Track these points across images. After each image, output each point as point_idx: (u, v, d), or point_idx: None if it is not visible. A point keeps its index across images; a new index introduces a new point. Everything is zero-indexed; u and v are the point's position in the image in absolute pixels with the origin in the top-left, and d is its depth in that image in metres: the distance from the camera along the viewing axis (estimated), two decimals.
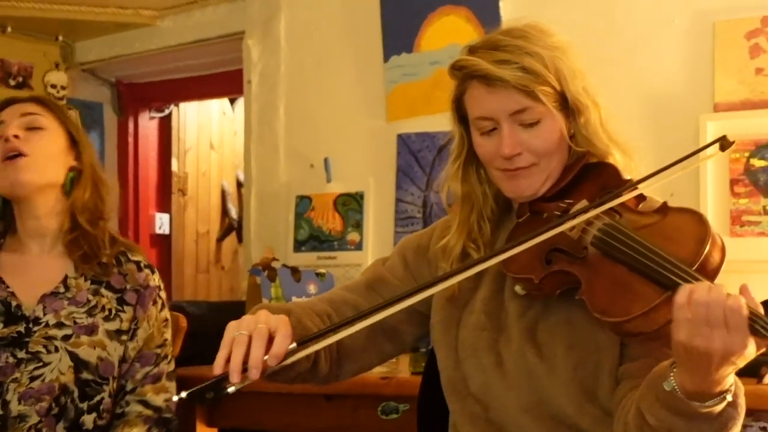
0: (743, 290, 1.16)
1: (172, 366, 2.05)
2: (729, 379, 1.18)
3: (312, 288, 2.84)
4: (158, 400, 2.00)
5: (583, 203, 1.41)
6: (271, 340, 1.23)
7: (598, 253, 1.33)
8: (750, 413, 1.22)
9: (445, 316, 1.53)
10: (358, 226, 3.19)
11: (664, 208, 1.37)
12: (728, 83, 2.62)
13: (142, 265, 2.06)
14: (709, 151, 1.37)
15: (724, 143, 1.34)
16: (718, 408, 1.20)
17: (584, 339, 1.40)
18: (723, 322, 1.12)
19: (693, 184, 2.60)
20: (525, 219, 1.49)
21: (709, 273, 1.24)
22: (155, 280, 2.05)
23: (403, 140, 3.15)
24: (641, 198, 1.43)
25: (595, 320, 1.29)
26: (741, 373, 1.20)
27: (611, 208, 1.37)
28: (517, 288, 1.45)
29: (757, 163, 2.58)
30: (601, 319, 1.26)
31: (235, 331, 1.24)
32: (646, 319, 1.23)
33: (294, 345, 1.24)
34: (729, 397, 1.19)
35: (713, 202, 2.58)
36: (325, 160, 3.27)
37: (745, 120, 2.59)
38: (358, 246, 3.19)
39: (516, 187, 1.48)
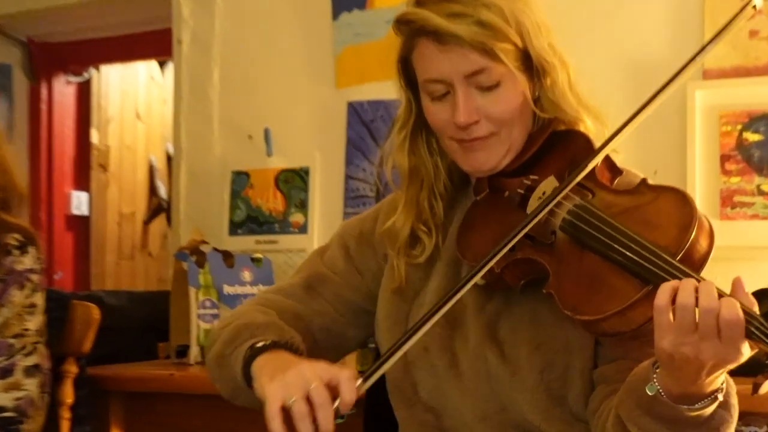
0: (736, 287, 1.15)
1: (35, 360, 2.02)
2: (721, 377, 1.18)
3: (247, 275, 2.82)
4: (4, 398, 1.96)
5: (551, 180, 1.41)
6: (332, 390, 1.20)
7: (568, 239, 1.33)
8: (740, 416, 1.24)
9: (391, 310, 1.53)
10: (303, 206, 3.19)
11: (643, 187, 1.36)
12: (719, 47, 2.45)
13: (10, 247, 2.02)
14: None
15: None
16: (709, 410, 1.19)
17: (552, 337, 1.40)
18: (715, 334, 1.11)
19: (679, 161, 2.62)
20: (483, 197, 1.49)
21: (696, 263, 1.23)
22: (26, 262, 2.03)
23: (354, 109, 3.15)
24: (617, 172, 1.43)
25: (566, 316, 1.29)
26: (733, 373, 1.21)
27: (582, 186, 1.37)
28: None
29: (751, 137, 2.59)
30: (572, 316, 1.26)
31: (284, 396, 1.19)
32: (623, 318, 1.22)
33: (359, 382, 1.22)
34: (720, 397, 1.18)
35: (701, 181, 2.59)
36: (266, 132, 3.25)
37: (738, 89, 2.60)
38: (303, 229, 3.19)
39: (473, 161, 1.46)
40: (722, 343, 1.11)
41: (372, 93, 3.09)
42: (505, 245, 1.30)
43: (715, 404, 1.19)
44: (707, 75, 2.65)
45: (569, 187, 1.34)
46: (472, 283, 1.29)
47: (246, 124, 3.31)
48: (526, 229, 1.32)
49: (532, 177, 1.43)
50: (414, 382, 1.47)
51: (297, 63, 3.23)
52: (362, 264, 1.59)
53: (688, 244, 1.23)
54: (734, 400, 1.23)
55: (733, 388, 1.23)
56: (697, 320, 1.12)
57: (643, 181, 1.36)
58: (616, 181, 1.42)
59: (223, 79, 3.37)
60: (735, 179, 2.57)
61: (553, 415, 1.39)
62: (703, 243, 1.25)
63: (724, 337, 1.11)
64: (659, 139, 2.62)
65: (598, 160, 1.36)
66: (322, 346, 1.54)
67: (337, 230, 1.65)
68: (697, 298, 1.12)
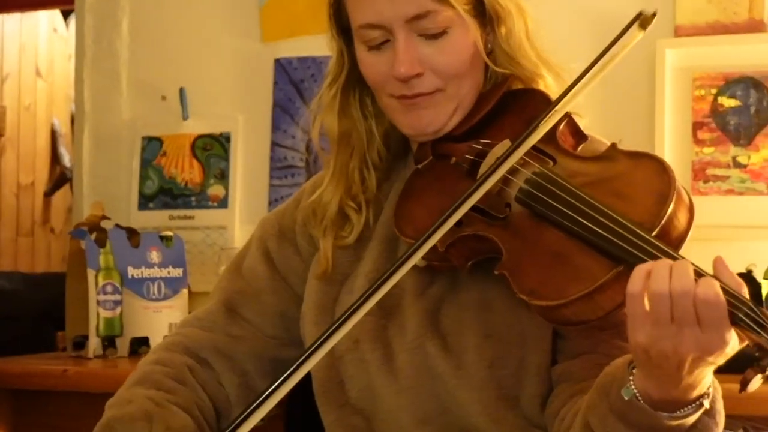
0: (719, 267, 1.13)
1: None
2: (707, 380, 1.16)
3: (154, 256, 2.77)
4: None
5: (505, 144, 1.37)
6: None
7: (525, 212, 1.32)
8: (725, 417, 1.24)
9: (317, 299, 1.52)
10: (223, 177, 3.18)
11: (612, 153, 1.34)
12: (693, 1, 2.64)
13: None
14: (629, 38, 1.35)
15: (643, 20, 1.33)
16: (692, 419, 1.18)
17: (504, 326, 1.39)
18: (694, 319, 1.10)
19: (646, 129, 2.62)
20: (426, 165, 1.48)
21: (673, 241, 1.22)
22: None
23: (281, 66, 3.15)
24: (581, 137, 1.42)
25: (520, 303, 1.28)
26: (720, 370, 1.19)
27: (542, 152, 1.36)
28: None
29: (727, 102, 2.60)
30: (529, 301, 1.25)
31: None
32: (590, 303, 1.21)
33: None
34: (706, 404, 1.17)
35: (671, 151, 2.59)
36: (181, 92, 3.22)
37: (714, 48, 2.61)
38: (222, 203, 3.17)
39: (415, 121, 1.45)
40: (703, 331, 1.09)
41: (302, 49, 3.08)
42: (449, 218, 1.28)
43: (700, 412, 1.18)
44: (679, 32, 2.66)
45: (526, 147, 1.32)
46: (410, 264, 1.27)
47: (159, 83, 3.28)
48: (475, 199, 1.29)
49: (483, 141, 1.41)
50: (341, 380, 1.47)
51: (217, 14, 3.21)
52: (286, 267, 1.57)
53: (665, 219, 1.21)
54: (720, 406, 1.21)
55: (719, 392, 1.21)
56: (672, 309, 1.10)
57: (613, 146, 1.35)
58: (580, 147, 1.40)
59: (132, 31, 3.34)
60: (708, 150, 2.59)
61: (504, 418, 1.38)
62: (682, 218, 1.23)
63: (703, 322, 1.09)
64: (624, 104, 2.62)
65: (559, 114, 1.34)
66: (256, 377, 1.54)
67: (255, 230, 1.64)
68: (670, 282, 1.10)
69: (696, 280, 1.10)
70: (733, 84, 2.60)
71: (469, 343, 1.40)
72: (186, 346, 1.54)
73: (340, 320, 1.24)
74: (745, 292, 1.12)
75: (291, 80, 3.13)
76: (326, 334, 1.24)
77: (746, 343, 1.12)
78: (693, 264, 1.13)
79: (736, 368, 1.13)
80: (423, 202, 1.44)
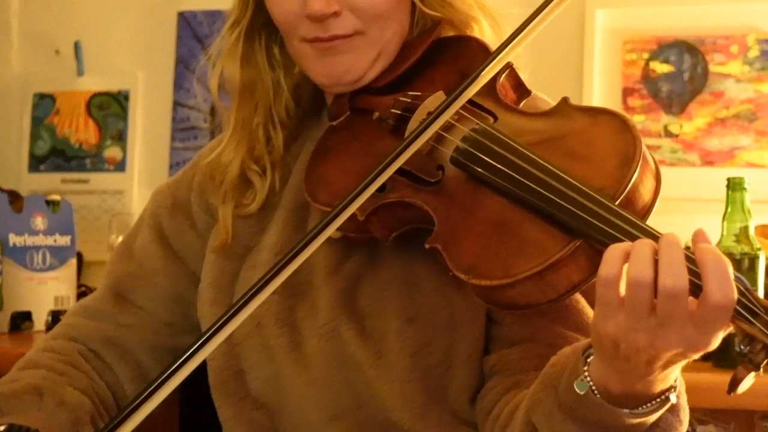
0: (698, 238, 1.03)
1: None
2: (675, 371, 1.09)
3: (39, 222, 2.67)
4: None
5: (439, 96, 1.30)
6: None
7: (462, 176, 1.24)
8: (698, 412, 1.20)
9: (214, 275, 1.46)
10: (121, 138, 3.14)
11: (563, 108, 1.26)
12: None
13: None
14: None
15: None
16: (654, 417, 1.11)
17: (431, 309, 1.33)
18: (685, 317, 1.00)
19: (574, 94, 2.60)
20: (343, 121, 1.41)
21: (638, 212, 1.13)
22: None
23: (185, 20, 3.11)
24: (524, 91, 1.35)
25: (450, 282, 1.24)
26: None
27: (479, 107, 1.28)
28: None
29: (659, 67, 2.61)
30: (467, 280, 1.16)
31: None
32: (540, 283, 1.13)
33: None
34: (673, 398, 1.10)
35: None
36: (76, 45, 3.16)
37: (647, 9, 2.63)
38: (120, 166, 3.13)
39: (330, 68, 1.37)
40: (695, 327, 1.00)
41: (208, 1, 3.05)
42: (371, 183, 1.19)
43: (665, 408, 1.10)
44: None
45: (464, 99, 1.24)
46: (324, 235, 1.19)
47: (52, 36, 3.23)
48: (402, 159, 1.20)
49: (411, 93, 1.34)
50: (241, 369, 1.40)
51: None
52: (181, 244, 1.51)
53: (629, 184, 1.12)
54: (684, 401, 1.15)
55: (683, 385, 1.15)
56: (652, 301, 1.00)
57: (564, 100, 1.27)
58: (522, 103, 1.33)
59: None
60: (639, 117, 2.60)
61: (429, 413, 1.32)
62: (648, 185, 1.15)
63: (698, 323, 1.00)
64: (550, 68, 2.56)
65: (501, 64, 1.27)
66: (153, 369, 1.49)
67: (148, 203, 1.58)
68: (656, 269, 1.00)
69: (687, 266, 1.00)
70: (666, 48, 2.62)
71: (390, 328, 1.34)
72: (72, 336, 1.49)
73: (241, 301, 1.16)
74: (731, 271, 1.01)
75: (195, 35, 3.10)
76: (225, 317, 1.16)
77: (730, 329, 1.03)
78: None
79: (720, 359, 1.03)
80: (339, 163, 1.37)
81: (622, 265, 1.02)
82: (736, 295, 0.99)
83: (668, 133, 2.58)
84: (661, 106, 2.58)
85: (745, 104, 2.57)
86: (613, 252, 1.03)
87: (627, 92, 2.61)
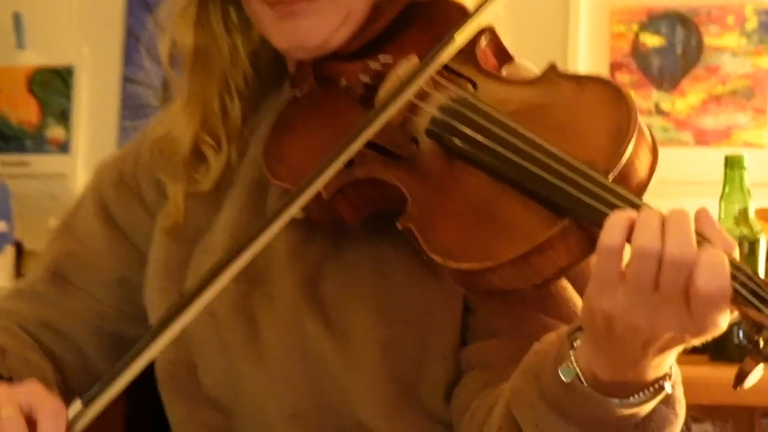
0: (703, 219, 1.03)
1: None
2: (670, 359, 1.09)
3: None
4: None
5: (412, 61, 1.29)
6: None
7: (438, 150, 1.23)
8: (694, 409, 1.24)
9: (164, 260, 1.45)
10: (64, 117, 3.16)
11: (550, 76, 1.25)
12: None
13: None
14: None
15: None
16: (648, 407, 1.10)
17: (403, 298, 1.32)
18: (685, 295, 0.99)
19: None
20: (307, 91, 1.39)
21: (633, 190, 1.13)
22: None
23: None
24: (506, 57, 1.34)
25: (424, 267, 1.23)
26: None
27: (457, 74, 1.27)
28: None
29: (650, 40, 2.62)
30: (444, 264, 1.15)
31: None
32: (524, 267, 1.11)
33: (78, 407, 1.16)
34: (668, 387, 1.09)
35: None
36: (16, 17, 3.17)
37: None
38: (63, 147, 3.14)
39: (292, 33, 1.35)
40: (693, 309, 1.00)
41: None
42: (338, 157, 1.19)
43: (659, 398, 1.09)
44: None
45: (440, 64, 1.23)
46: (285, 216, 1.18)
47: None
48: (371, 132, 1.20)
49: (382, 59, 1.33)
50: (192, 363, 1.39)
51: None
52: (128, 223, 1.50)
53: (624, 159, 1.11)
54: (680, 392, 1.14)
55: (680, 376, 1.14)
56: (658, 275, 0.99)
57: (552, 68, 1.25)
58: (504, 70, 1.33)
59: None
60: None
61: (399, 412, 1.31)
62: (644, 160, 1.14)
63: (699, 302, 1.00)
64: (533, 40, 2.54)
65: (480, 27, 1.27)
66: (96, 357, 1.48)
67: (90, 178, 1.57)
68: (663, 240, 1.00)
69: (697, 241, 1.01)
70: (657, 20, 2.64)
71: (358, 318, 1.32)
72: (4, 325, 1.46)
73: (194, 291, 1.16)
74: (737, 254, 1.02)
75: (146, 5, 3.09)
76: (175, 310, 1.17)
77: (735, 318, 1.04)
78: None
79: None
80: (302, 137, 1.36)
81: (626, 234, 1.02)
82: (729, 269, 0.99)
83: (659, 111, 2.59)
84: (651, 82, 2.60)
85: (742, 80, 2.59)
86: (618, 219, 1.02)
87: (615, 67, 2.63)
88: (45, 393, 1.20)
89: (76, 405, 1.16)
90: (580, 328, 1.10)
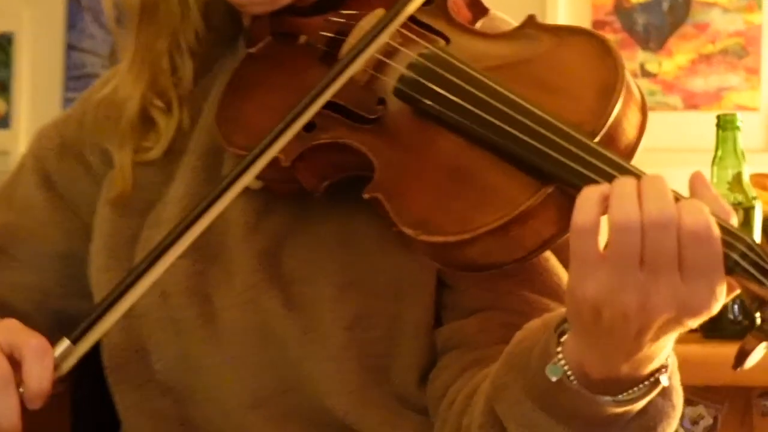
0: (698, 185, 1.03)
1: None
2: (667, 346, 1.07)
3: None
4: None
5: (378, 14, 1.27)
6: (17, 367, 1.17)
7: (408, 110, 1.23)
8: (687, 390, 1.19)
9: (110, 234, 1.44)
10: (4, 89, 3.20)
11: (529, 28, 1.25)
12: None
13: None
14: None
15: None
16: (641, 403, 1.09)
17: (371, 272, 1.32)
18: (675, 262, 0.99)
19: None
20: (263, 48, 1.39)
21: (621, 152, 1.12)
22: None
23: None
24: (480, 9, 1.33)
25: (398, 239, 1.20)
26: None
27: (427, 27, 1.27)
28: None
29: None
30: (415, 237, 1.14)
31: None
32: (504, 238, 1.11)
33: (59, 351, 1.17)
34: (664, 380, 1.08)
35: None
36: None
37: None
38: (3, 122, 3.20)
39: None
40: (686, 279, 0.98)
41: None
42: (296, 120, 1.18)
43: (655, 392, 1.09)
44: None
45: (406, 16, 1.22)
46: (240, 185, 1.19)
47: None
48: (332, 90, 1.19)
49: (345, 12, 1.32)
50: (143, 348, 1.38)
51: None
52: (73, 192, 1.49)
53: (611, 119, 1.10)
54: (677, 381, 1.13)
55: (676, 363, 1.12)
56: (642, 246, 0.99)
57: (530, 19, 1.25)
58: (479, 23, 1.31)
59: None
60: None
61: (368, 397, 1.31)
62: (633, 120, 1.13)
63: (689, 265, 0.98)
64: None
65: None
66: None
67: (29, 146, 1.56)
68: (641, 207, 0.99)
69: (676, 200, 1.00)
70: None
71: (322, 296, 1.32)
72: None
73: (142, 266, 1.16)
74: (735, 221, 1.01)
75: None
76: (121, 288, 1.16)
77: (737, 291, 1.02)
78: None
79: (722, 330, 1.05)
80: (258, 98, 1.35)
81: (600, 210, 1.01)
82: (716, 227, 0.98)
83: (645, 73, 2.64)
84: (636, 42, 2.66)
85: (733, 38, 2.60)
86: (589, 194, 1.01)
87: (597, 25, 2.68)
88: (27, 330, 1.18)
89: (63, 343, 1.15)
90: (566, 319, 1.10)
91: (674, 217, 0.98)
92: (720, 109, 2.59)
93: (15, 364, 1.15)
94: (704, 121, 2.36)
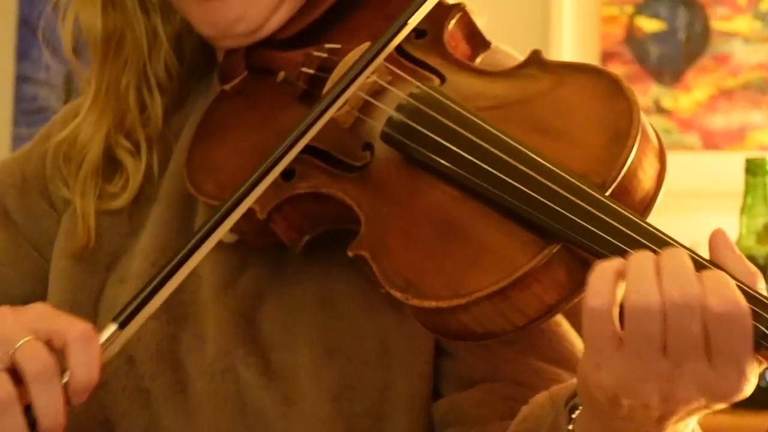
0: (719, 244, 1.02)
1: None
2: (692, 423, 1.07)
3: None
4: None
5: (364, 48, 1.27)
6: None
7: (397, 158, 1.23)
8: None
9: (70, 290, 1.43)
10: None
11: (533, 65, 1.24)
12: None
13: None
14: None
15: None
16: None
17: (357, 337, 1.33)
18: (701, 348, 0.97)
19: None
20: (238, 85, 1.40)
21: (636, 206, 1.11)
22: None
23: None
24: (481, 43, 1.34)
25: (386, 300, 1.21)
26: None
27: (422, 65, 1.27)
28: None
29: (647, 25, 2.69)
30: (404, 300, 1.13)
31: None
32: (503, 305, 1.10)
33: (105, 336, 1.14)
34: None
35: None
36: None
37: None
38: None
39: (217, 15, 1.37)
40: (713, 365, 0.97)
41: None
42: (272, 166, 1.18)
43: None
44: None
45: (391, 48, 1.22)
46: (213, 240, 1.17)
47: None
48: (311, 134, 1.18)
49: (328, 46, 1.33)
50: (107, 420, 1.37)
51: None
52: (37, 231, 1.49)
53: (624, 169, 1.09)
54: None
55: None
56: (664, 332, 0.98)
57: (534, 54, 1.25)
58: (479, 59, 1.33)
59: None
60: None
61: None
62: (649, 169, 1.12)
63: (716, 350, 0.97)
64: (511, 27, 2.64)
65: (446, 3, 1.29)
66: None
67: None
68: (660, 286, 0.98)
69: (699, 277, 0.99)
70: (655, 1, 2.67)
71: (303, 364, 1.32)
72: None
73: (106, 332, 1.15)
74: (763, 286, 1.00)
75: None
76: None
77: (765, 365, 1.01)
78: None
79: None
80: (232, 141, 1.37)
81: (616, 289, 1.00)
82: (745, 304, 0.96)
83: (660, 109, 2.64)
84: (650, 75, 2.67)
85: (756, 71, 2.60)
86: (602, 272, 1.00)
87: (606, 57, 2.70)
88: (63, 314, 1.16)
89: (110, 327, 1.13)
90: (577, 393, 1.09)
91: (698, 298, 0.97)
92: (742, 149, 2.59)
93: (54, 351, 1.12)
94: (725, 163, 2.36)
